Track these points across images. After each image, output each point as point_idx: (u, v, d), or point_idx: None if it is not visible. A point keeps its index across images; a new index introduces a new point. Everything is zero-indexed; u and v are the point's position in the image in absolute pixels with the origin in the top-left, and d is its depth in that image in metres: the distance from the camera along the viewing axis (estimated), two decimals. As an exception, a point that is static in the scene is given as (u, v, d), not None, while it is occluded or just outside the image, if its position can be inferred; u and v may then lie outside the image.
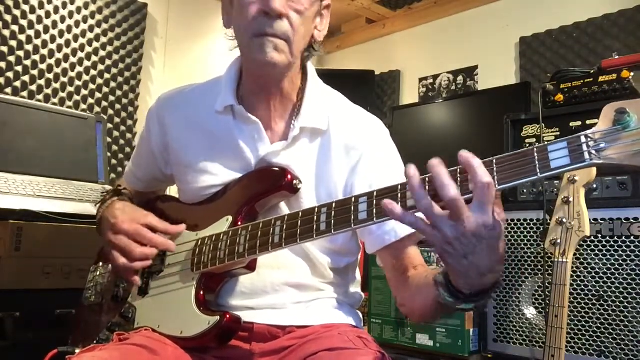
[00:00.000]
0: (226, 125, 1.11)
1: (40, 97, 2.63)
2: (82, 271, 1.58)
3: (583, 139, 0.69)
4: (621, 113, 0.67)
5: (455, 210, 0.70)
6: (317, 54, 1.14)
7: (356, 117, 1.15)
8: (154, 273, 1.14)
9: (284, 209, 1.07)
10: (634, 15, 2.56)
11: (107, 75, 2.91)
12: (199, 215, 1.11)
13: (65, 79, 2.74)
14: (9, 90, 2.53)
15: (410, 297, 1.00)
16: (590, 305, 1.54)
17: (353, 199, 0.84)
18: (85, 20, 2.84)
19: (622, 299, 1.48)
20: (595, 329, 1.52)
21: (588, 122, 1.67)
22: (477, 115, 2.70)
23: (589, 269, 1.55)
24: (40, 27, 2.65)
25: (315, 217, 0.88)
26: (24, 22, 2.59)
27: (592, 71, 1.78)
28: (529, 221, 1.71)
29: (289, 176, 1.03)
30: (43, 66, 2.65)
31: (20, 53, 2.58)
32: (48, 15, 2.69)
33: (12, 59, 2.55)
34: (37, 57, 2.63)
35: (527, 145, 1.79)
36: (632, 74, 1.64)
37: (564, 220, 1.42)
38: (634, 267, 1.48)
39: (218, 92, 1.12)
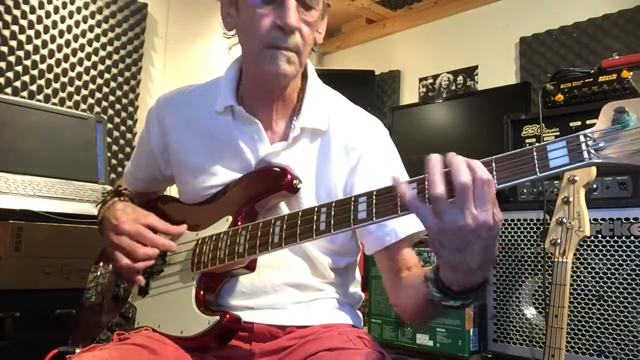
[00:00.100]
0: (226, 125, 1.11)
1: (40, 97, 2.63)
2: (82, 271, 1.58)
3: (582, 138, 0.69)
4: (620, 112, 0.67)
5: (463, 198, 0.70)
6: (315, 52, 1.15)
7: (356, 117, 1.15)
8: (154, 273, 1.14)
9: (284, 209, 1.07)
10: (634, 15, 2.56)
11: (107, 75, 2.90)
12: (199, 216, 1.12)
13: (65, 79, 2.74)
14: (9, 90, 2.53)
15: (402, 296, 1.01)
16: (590, 305, 1.54)
17: (353, 198, 0.85)
18: (85, 20, 2.84)
19: (622, 299, 1.48)
20: (595, 329, 1.52)
21: (588, 122, 1.67)
22: (477, 115, 2.70)
23: (589, 269, 1.55)
24: (40, 27, 2.65)
25: (315, 217, 0.88)
26: (24, 22, 2.59)
27: (592, 71, 1.78)
28: (529, 221, 1.71)
29: (289, 176, 1.03)
30: (43, 66, 2.65)
31: (20, 53, 2.58)
32: (48, 15, 2.69)
33: (12, 59, 2.55)
34: (37, 57, 2.63)
35: (527, 145, 1.78)
36: (631, 73, 1.64)
37: (564, 220, 1.42)
38: (634, 267, 1.48)
39: (218, 93, 1.12)
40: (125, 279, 1.21)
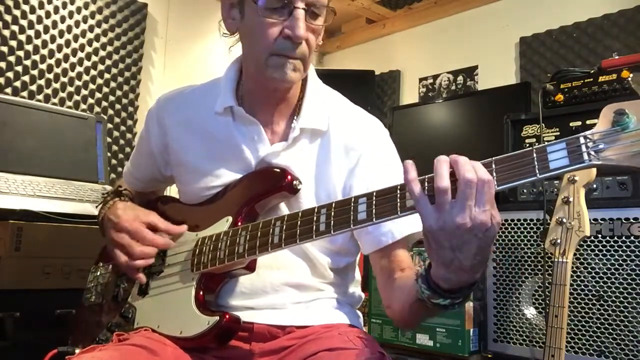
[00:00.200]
0: (226, 126, 1.11)
1: (40, 97, 2.63)
2: (82, 271, 1.58)
3: (582, 140, 0.69)
4: (620, 114, 0.67)
5: (466, 195, 0.71)
6: (315, 52, 1.15)
7: (356, 117, 1.15)
8: (154, 273, 1.14)
9: (284, 209, 1.07)
10: (634, 15, 2.56)
11: (107, 75, 2.90)
12: (199, 216, 1.12)
13: (65, 79, 2.74)
14: (9, 90, 2.53)
15: (395, 298, 1.01)
16: (590, 305, 1.54)
17: (353, 199, 0.85)
18: (85, 20, 2.84)
19: (622, 299, 1.48)
20: (595, 329, 1.52)
21: (588, 122, 1.67)
22: (477, 115, 2.70)
23: (589, 269, 1.55)
24: (40, 27, 2.65)
25: (315, 218, 0.88)
26: (24, 22, 2.59)
27: (592, 71, 1.78)
28: (529, 221, 1.71)
29: (289, 177, 1.03)
30: (43, 66, 2.65)
31: (20, 53, 2.58)
32: (48, 15, 2.69)
33: (12, 59, 2.55)
34: (37, 57, 2.63)
35: (527, 145, 1.79)
36: (631, 74, 1.64)
37: (564, 220, 1.42)
38: (634, 267, 1.48)
39: (218, 93, 1.12)
40: (125, 279, 1.21)
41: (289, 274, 1.07)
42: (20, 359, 1.54)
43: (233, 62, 1.17)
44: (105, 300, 1.25)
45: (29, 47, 2.61)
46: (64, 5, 2.75)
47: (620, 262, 1.50)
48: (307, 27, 1.00)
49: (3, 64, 2.52)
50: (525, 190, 1.76)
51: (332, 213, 0.86)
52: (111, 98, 2.92)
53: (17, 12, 2.57)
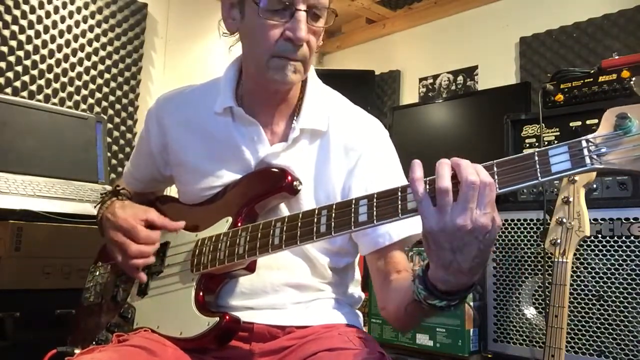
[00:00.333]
0: (225, 126, 1.11)
1: (40, 97, 2.63)
2: (82, 271, 1.58)
3: (584, 144, 0.69)
4: (622, 118, 0.67)
5: (468, 197, 0.71)
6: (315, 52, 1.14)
7: (356, 118, 1.15)
8: (154, 273, 1.13)
9: (284, 210, 1.07)
10: (634, 15, 2.56)
11: (107, 75, 2.90)
12: (199, 216, 1.12)
13: (65, 79, 2.74)
14: (9, 90, 2.53)
15: (390, 299, 1.01)
16: (590, 305, 1.54)
17: (353, 201, 0.85)
18: (85, 20, 2.83)
19: (622, 299, 1.48)
20: (595, 329, 1.52)
21: (588, 122, 1.67)
22: (477, 115, 2.70)
23: (589, 269, 1.55)
24: (40, 27, 2.65)
25: (316, 219, 0.88)
26: (24, 22, 2.59)
27: (592, 71, 1.78)
28: (529, 221, 1.71)
29: (289, 177, 1.03)
30: (43, 66, 2.65)
31: (20, 53, 2.58)
32: (48, 15, 2.69)
33: (12, 59, 2.54)
34: (37, 57, 2.63)
35: (527, 145, 1.79)
36: (633, 78, 1.64)
37: (564, 220, 1.42)
38: (634, 267, 1.48)
39: (217, 93, 1.12)
40: (124, 279, 1.21)
41: (288, 274, 1.07)
42: (20, 359, 1.54)
43: (233, 62, 1.16)
44: (104, 300, 1.25)
45: (29, 47, 2.61)
46: (64, 5, 2.75)
47: (620, 262, 1.50)
48: (309, 29, 0.99)
49: (3, 64, 2.52)
50: (525, 190, 1.76)
51: (333, 214, 0.86)
52: (111, 98, 2.92)
53: (17, 12, 2.57)
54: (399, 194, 0.80)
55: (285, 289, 1.07)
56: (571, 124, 1.70)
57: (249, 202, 1.04)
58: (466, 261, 0.75)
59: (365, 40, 3.87)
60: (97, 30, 2.88)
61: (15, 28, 2.56)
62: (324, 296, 1.11)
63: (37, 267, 1.68)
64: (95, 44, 2.87)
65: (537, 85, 2.68)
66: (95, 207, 1.25)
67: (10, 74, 2.53)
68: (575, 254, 1.50)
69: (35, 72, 2.62)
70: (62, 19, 2.74)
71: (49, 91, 2.66)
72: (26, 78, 2.59)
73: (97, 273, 1.32)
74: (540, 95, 1.85)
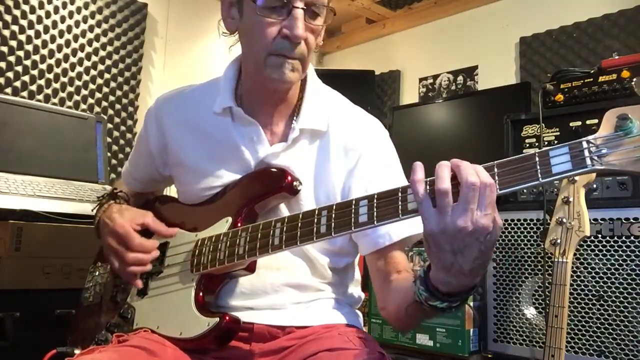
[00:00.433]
0: (225, 126, 1.11)
1: (40, 97, 2.63)
2: (82, 271, 1.58)
3: (585, 145, 0.69)
4: (623, 119, 0.67)
5: (468, 199, 0.71)
6: (315, 52, 1.14)
7: (356, 118, 1.15)
8: (153, 274, 1.13)
9: (284, 210, 1.07)
10: (634, 15, 2.56)
11: (107, 75, 2.90)
12: (199, 216, 1.11)
13: (65, 79, 2.73)
14: (9, 90, 2.53)
15: (390, 300, 1.01)
16: (590, 305, 1.54)
17: (354, 201, 0.85)
18: (85, 20, 2.83)
19: (622, 299, 1.48)
20: (595, 329, 1.52)
21: (588, 122, 1.67)
22: (477, 115, 2.70)
23: (589, 269, 1.55)
24: (40, 27, 2.65)
25: (316, 220, 0.88)
26: (24, 22, 2.59)
27: (592, 71, 1.78)
28: (529, 221, 1.71)
29: (289, 177, 1.03)
30: (43, 66, 2.65)
31: (20, 53, 2.58)
32: (48, 15, 2.68)
33: (12, 59, 2.54)
34: (37, 57, 2.63)
35: (527, 145, 1.79)
36: (634, 79, 1.64)
37: (564, 220, 1.42)
38: (634, 267, 1.48)
39: (217, 93, 1.12)
40: (124, 280, 1.21)
41: (288, 274, 1.07)
42: (20, 359, 1.54)
43: (232, 61, 1.16)
44: (104, 300, 1.25)
45: (29, 47, 2.61)
46: (64, 5, 2.75)
47: (620, 262, 1.50)
48: (307, 27, 0.99)
49: (3, 64, 2.52)
50: (525, 191, 1.76)
51: (333, 215, 0.86)
52: (111, 98, 2.92)
53: (17, 12, 2.57)
54: (400, 194, 0.80)
55: (285, 289, 1.07)
56: (571, 124, 1.70)
57: (249, 202, 1.04)
58: (467, 263, 0.75)
59: (365, 40, 3.87)
60: (97, 30, 2.88)
61: (15, 28, 2.56)
62: (324, 296, 1.11)
63: (37, 267, 1.68)
64: (95, 44, 2.87)
65: (537, 85, 2.68)
66: (92, 210, 1.25)
67: (10, 74, 2.53)
68: (575, 254, 1.50)
69: (35, 72, 2.62)
70: (62, 19, 2.74)
71: (49, 91, 2.66)
72: (26, 78, 2.59)
73: (97, 273, 1.32)
74: (540, 95, 1.85)
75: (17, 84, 2.56)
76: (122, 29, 2.98)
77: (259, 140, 1.08)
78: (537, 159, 0.71)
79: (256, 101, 1.10)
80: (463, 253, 0.74)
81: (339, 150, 1.09)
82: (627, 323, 1.47)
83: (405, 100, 3.54)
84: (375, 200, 0.82)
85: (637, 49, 2.44)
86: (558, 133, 1.73)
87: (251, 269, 1.01)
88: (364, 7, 3.61)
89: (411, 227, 1.02)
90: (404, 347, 1.91)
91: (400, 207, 0.79)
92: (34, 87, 2.61)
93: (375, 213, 0.81)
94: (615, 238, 1.51)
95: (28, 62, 2.60)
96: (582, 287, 1.55)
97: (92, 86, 2.84)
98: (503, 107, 2.39)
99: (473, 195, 0.71)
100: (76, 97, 2.77)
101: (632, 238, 1.49)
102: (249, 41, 1.06)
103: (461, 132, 2.73)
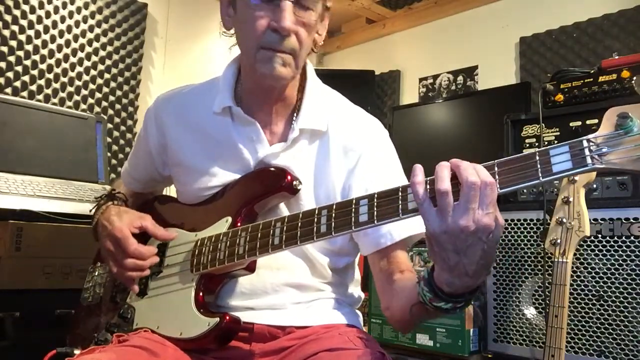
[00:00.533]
0: (224, 126, 1.10)
1: (40, 97, 2.63)
2: (82, 271, 1.58)
3: (585, 144, 0.69)
4: (624, 117, 0.67)
5: (469, 198, 0.71)
6: (315, 52, 1.14)
7: (355, 118, 1.15)
8: (153, 274, 1.13)
9: (283, 210, 1.07)
10: (634, 15, 2.56)
11: (107, 75, 2.91)
12: (198, 216, 1.11)
13: (65, 79, 2.74)
14: (9, 90, 2.53)
15: (394, 300, 1.01)
16: (590, 305, 1.54)
17: (354, 201, 0.84)
18: (85, 20, 2.84)
19: (622, 299, 1.48)
20: (595, 329, 1.52)
21: (588, 122, 1.67)
22: (477, 115, 2.70)
23: (589, 269, 1.55)
24: (40, 27, 2.65)
25: (316, 219, 0.88)
26: (24, 22, 2.59)
27: (592, 71, 1.78)
28: (529, 221, 1.70)
29: (289, 177, 1.03)
30: (43, 66, 2.65)
31: (20, 53, 2.58)
32: (48, 15, 2.69)
33: (12, 59, 2.55)
34: (37, 57, 2.63)
35: (527, 145, 1.79)
36: (634, 77, 1.64)
37: (564, 220, 1.42)
38: (634, 267, 1.48)
39: (216, 93, 1.12)
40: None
41: (288, 274, 1.07)
42: (20, 359, 1.54)
43: (231, 61, 1.16)
44: (104, 300, 1.25)
45: (29, 47, 2.61)
46: (64, 5, 2.75)
47: (620, 262, 1.50)
48: (297, 20, 0.98)
49: (3, 64, 2.52)
50: (525, 190, 1.76)
51: (333, 214, 0.86)
52: (111, 98, 2.92)
53: (17, 12, 2.57)
54: (400, 193, 0.80)
55: (285, 289, 1.07)
56: (571, 124, 1.70)
57: (249, 201, 1.04)
58: (471, 263, 0.75)
59: (365, 40, 3.87)
60: (97, 30, 2.88)
61: (15, 28, 2.56)
62: (324, 296, 1.11)
63: (37, 267, 1.68)
64: (95, 44, 2.87)
65: (537, 85, 2.68)
66: (90, 211, 1.24)
67: (10, 74, 2.54)
68: (575, 254, 1.50)
69: (35, 72, 2.62)
70: (62, 19, 2.74)
71: (49, 91, 2.67)
72: (26, 78, 2.59)
73: (96, 273, 1.32)
74: (540, 95, 1.85)
75: (17, 84, 2.56)
76: (122, 29, 2.99)
77: (259, 140, 1.08)
78: (537, 157, 0.71)
79: (255, 101, 1.10)
80: (466, 253, 0.74)
81: (339, 150, 1.09)
82: (627, 323, 1.47)
83: (405, 100, 3.54)
84: (375, 200, 0.82)
85: (637, 49, 2.44)
86: (558, 133, 1.73)
87: (251, 268, 1.01)
88: (364, 7, 3.62)
89: (413, 226, 1.02)
90: (404, 347, 1.91)
91: (400, 206, 0.79)
92: (34, 87, 2.62)
93: (375, 212, 0.81)
94: (615, 238, 1.51)
95: (28, 62, 2.60)
96: (582, 287, 1.55)
97: (92, 86, 2.84)
98: (503, 107, 2.39)
99: (474, 194, 0.71)
100: (76, 97, 2.77)
101: (632, 238, 1.49)
102: (241, 36, 1.06)
103: (461, 132, 2.73)
